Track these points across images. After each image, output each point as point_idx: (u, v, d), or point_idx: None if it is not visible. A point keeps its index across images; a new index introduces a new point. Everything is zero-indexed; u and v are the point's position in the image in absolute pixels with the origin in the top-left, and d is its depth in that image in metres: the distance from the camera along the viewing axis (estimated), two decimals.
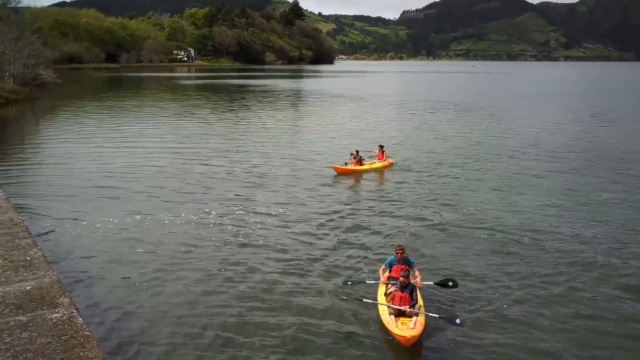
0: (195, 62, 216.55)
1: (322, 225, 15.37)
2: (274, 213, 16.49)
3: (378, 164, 23.17)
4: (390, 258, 10.79)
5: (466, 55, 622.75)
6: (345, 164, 22.67)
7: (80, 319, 2.83)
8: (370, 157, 23.92)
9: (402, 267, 10.26)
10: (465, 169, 23.42)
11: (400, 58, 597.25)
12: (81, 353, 2.56)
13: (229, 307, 10.35)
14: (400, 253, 10.54)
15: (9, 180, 20.05)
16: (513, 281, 11.62)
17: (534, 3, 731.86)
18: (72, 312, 3.07)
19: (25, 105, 53.42)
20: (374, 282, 10.98)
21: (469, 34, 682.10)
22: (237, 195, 18.58)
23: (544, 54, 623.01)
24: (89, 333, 2.79)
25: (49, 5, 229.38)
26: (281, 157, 25.94)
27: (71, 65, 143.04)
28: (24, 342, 2.79)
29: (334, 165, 22.52)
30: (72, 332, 2.86)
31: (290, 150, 27.77)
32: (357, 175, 22.07)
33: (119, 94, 68.96)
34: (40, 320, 3.02)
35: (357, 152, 23.07)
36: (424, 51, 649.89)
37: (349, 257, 12.93)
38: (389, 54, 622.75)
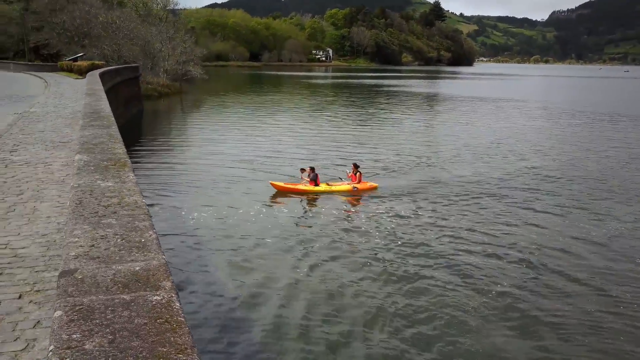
0: (333, 62, 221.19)
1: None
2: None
3: (340, 187, 18.35)
4: None
5: (623, 59, 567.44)
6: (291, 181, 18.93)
7: (178, 304, 2.82)
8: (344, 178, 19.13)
9: None
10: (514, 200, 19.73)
11: (546, 61, 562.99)
12: (172, 338, 2.53)
13: (330, 309, 9.87)
14: None
15: (144, 165, 21.41)
16: None
17: None
18: (172, 296, 3.04)
19: (175, 99, 57.82)
20: None
21: (628, 36, 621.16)
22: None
23: None
24: (182, 319, 2.73)
25: (203, 7, 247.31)
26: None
27: (217, 62, 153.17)
28: (123, 320, 2.78)
29: (271, 182, 18.47)
30: (168, 316, 2.81)
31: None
32: (310, 196, 17.82)
33: (258, 90, 72.31)
34: (142, 301, 3.01)
35: (312, 169, 18.44)
36: (573, 55, 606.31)
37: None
38: (533, 57, 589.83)
